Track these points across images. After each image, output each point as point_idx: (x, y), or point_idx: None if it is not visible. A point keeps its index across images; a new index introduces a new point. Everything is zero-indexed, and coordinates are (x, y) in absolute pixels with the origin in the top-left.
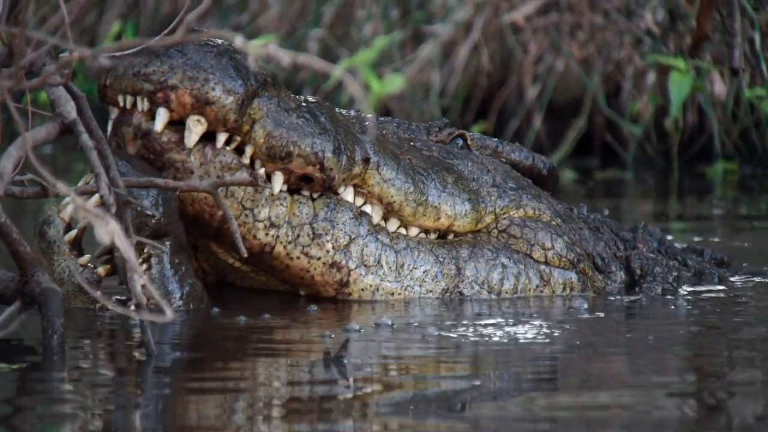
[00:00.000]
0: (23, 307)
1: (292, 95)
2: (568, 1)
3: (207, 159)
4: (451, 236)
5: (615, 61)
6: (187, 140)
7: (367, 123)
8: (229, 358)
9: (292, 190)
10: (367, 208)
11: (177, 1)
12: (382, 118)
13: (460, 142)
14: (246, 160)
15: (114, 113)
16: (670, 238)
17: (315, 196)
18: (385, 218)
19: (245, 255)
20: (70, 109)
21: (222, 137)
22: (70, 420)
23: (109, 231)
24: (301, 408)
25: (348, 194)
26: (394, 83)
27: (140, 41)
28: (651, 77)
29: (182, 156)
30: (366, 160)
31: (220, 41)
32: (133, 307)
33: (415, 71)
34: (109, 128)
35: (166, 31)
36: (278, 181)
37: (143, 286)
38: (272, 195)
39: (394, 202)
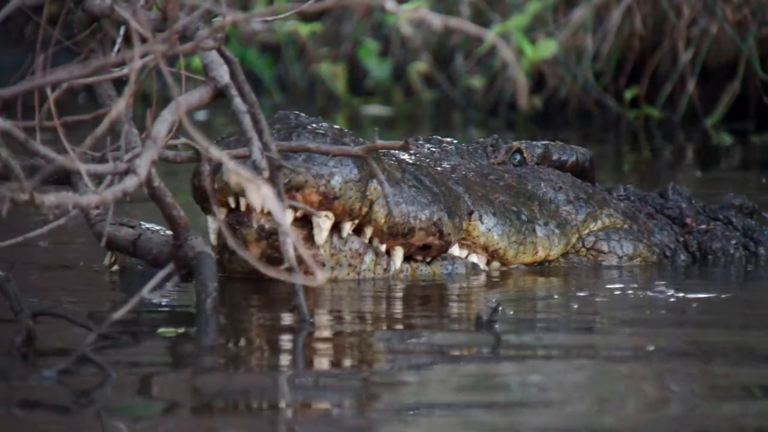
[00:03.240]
0: (176, 271)
1: (391, 161)
2: None
3: (337, 249)
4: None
5: None
6: (317, 238)
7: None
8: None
9: (407, 256)
10: (473, 258)
11: None
12: (446, 143)
13: (518, 157)
14: (366, 240)
15: (221, 214)
16: None
17: (428, 259)
18: (488, 263)
19: None
20: (223, 74)
21: (348, 226)
22: (221, 387)
23: (262, 195)
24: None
25: (455, 249)
26: (548, 48)
27: (293, 5)
28: None
29: (313, 251)
30: (470, 213)
31: (324, 125)
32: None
33: (568, 35)
34: (213, 229)
35: None
36: (399, 257)
37: (296, 250)
38: (396, 269)
39: (499, 248)
